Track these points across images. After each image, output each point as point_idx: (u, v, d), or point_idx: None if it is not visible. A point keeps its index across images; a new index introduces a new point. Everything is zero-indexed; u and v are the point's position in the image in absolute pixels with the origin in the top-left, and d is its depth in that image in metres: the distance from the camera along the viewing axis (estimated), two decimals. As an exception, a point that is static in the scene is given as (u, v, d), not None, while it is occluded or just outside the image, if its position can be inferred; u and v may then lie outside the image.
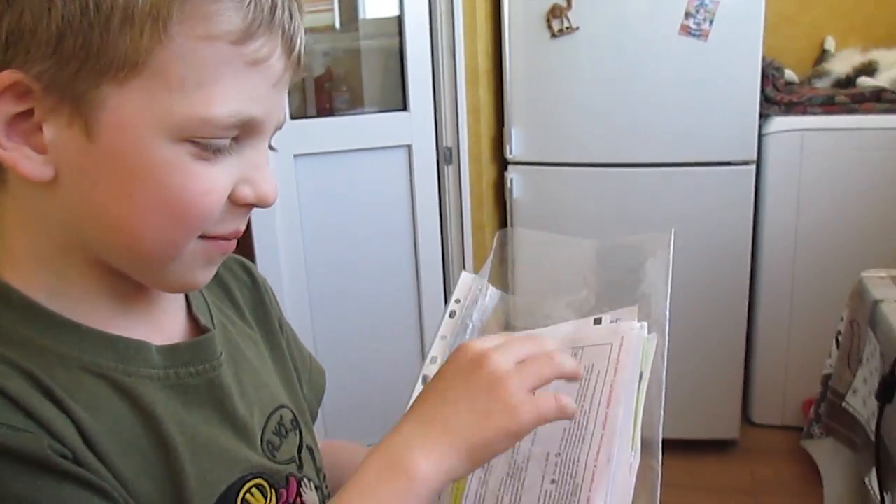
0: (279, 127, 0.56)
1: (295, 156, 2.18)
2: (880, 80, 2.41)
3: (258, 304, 0.73)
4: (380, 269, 2.35)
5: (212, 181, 0.51)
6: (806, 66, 2.67)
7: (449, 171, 2.37)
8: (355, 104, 2.48)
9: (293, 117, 2.20)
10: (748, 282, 2.40)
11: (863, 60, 2.52)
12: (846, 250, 2.32)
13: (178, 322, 0.62)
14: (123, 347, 0.54)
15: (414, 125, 2.30)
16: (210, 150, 0.50)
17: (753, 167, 2.29)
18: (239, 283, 0.73)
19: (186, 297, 0.64)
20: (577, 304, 0.67)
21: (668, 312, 0.61)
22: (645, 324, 0.60)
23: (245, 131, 0.52)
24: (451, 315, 0.69)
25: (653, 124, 2.28)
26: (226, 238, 0.55)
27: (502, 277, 0.73)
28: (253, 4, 0.49)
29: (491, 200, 2.50)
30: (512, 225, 2.47)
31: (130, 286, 0.56)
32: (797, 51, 2.68)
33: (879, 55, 2.51)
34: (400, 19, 2.28)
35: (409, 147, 2.29)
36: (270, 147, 0.58)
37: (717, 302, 2.37)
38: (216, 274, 0.69)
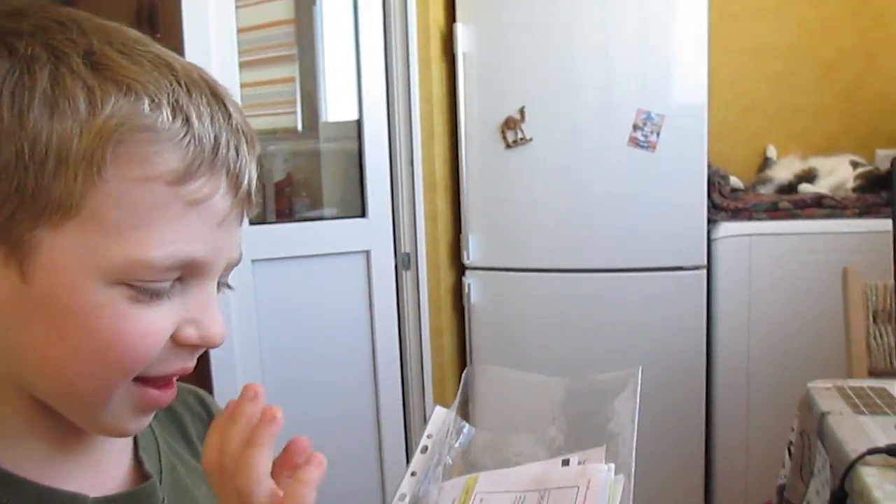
0: (233, 264, 0.55)
1: (253, 261, 2.18)
2: (820, 187, 2.52)
3: None
4: (338, 375, 2.33)
5: (149, 324, 0.49)
6: (750, 172, 2.78)
7: (407, 276, 2.39)
8: (315, 208, 2.51)
9: (252, 223, 2.22)
10: (704, 383, 2.43)
11: (803, 167, 2.64)
12: (798, 352, 2.36)
13: (122, 465, 0.60)
14: (57, 502, 0.52)
15: (372, 231, 2.33)
16: (147, 294, 0.49)
17: (704, 272, 2.35)
18: (193, 417, 0.71)
19: (135, 446, 0.62)
20: (546, 442, 0.67)
21: (634, 454, 0.62)
22: (612, 465, 0.61)
23: (189, 272, 0.51)
24: (423, 450, 0.68)
25: (606, 231, 2.35)
26: (168, 378, 0.54)
27: (470, 414, 0.73)
28: (192, 145, 0.49)
29: (449, 305, 2.52)
30: (470, 328, 2.48)
31: (69, 427, 0.54)
32: (741, 158, 2.81)
33: (818, 162, 2.63)
34: (359, 123, 2.35)
35: (367, 253, 2.32)
36: (228, 286, 0.57)
37: (675, 405, 2.38)
38: (170, 407, 0.66)
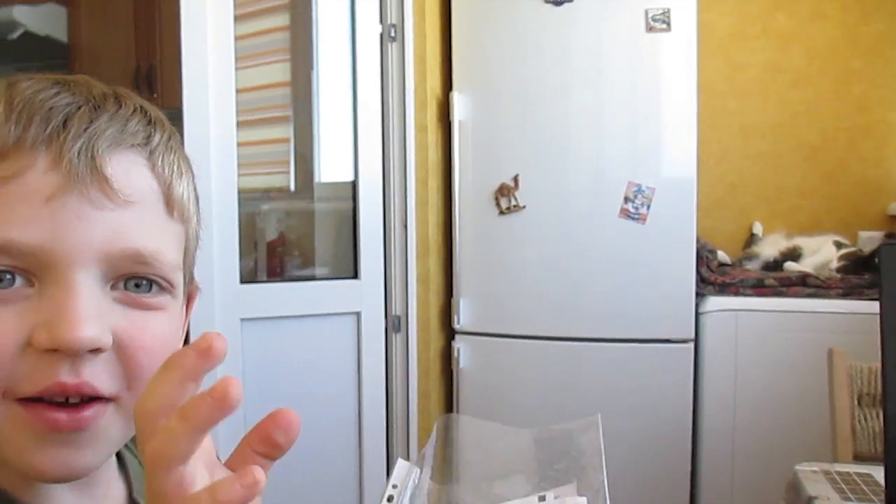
0: (120, 256, 0.50)
1: (242, 319, 2.17)
2: (804, 265, 2.56)
3: None
4: (323, 436, 2.30)
5: None
6: (737, 247, 2.83)
7: (397, 338, 2.39)
8: (307, 268, 2.51)
9: (243, 281, 2.21)
10: (690, 456, 2.42)
11: (788, 245, 2.68)
12: (784, 428, 2.37)
13: None
14: None
15: (364, 293, 2.33)
16: None
17: (692, 345, 2.37)
18: None
19: (129, 489, 0.60)
20: (515, 490, 0.68)
21: (605, 478, 0.63)
22: (585, 499, 0.62)
23: (35, 265, 0.47)
24: (389, 500, 0.69)
25: (595, 301, 2.37)
26: (47, 397, 0.47)
27: (441, 464, 0.74)
28: None
29: (437, 369, 2.51)
30: (458, 393, 2.47)
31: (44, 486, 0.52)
32: (728, 233, 2.86)
33: (803, 241, 2.68)
34: (354, 185, 2.37)
35: (358, 314, 2.32)
36: (165, 287, 0.53)
37: (659, 478, 2.37)
38: None
